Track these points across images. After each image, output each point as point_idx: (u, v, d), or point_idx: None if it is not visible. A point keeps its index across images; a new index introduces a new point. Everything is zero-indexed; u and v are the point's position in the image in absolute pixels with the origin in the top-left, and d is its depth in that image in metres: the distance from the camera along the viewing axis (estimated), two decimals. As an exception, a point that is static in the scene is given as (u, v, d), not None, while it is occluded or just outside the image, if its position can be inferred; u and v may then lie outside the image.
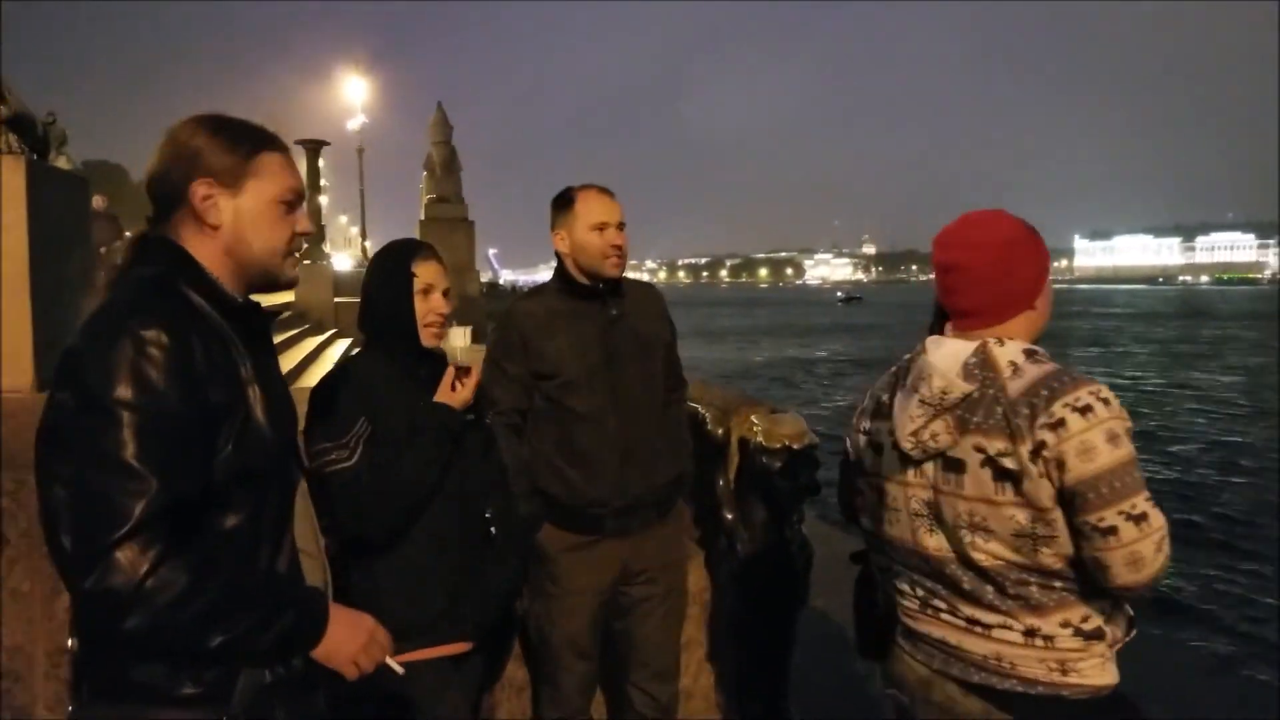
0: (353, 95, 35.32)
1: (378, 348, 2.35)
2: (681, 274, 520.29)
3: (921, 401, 1.76)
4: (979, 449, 1.71)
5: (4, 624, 2.80)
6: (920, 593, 1.89)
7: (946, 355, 1.79)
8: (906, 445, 1.80)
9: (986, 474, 1.71)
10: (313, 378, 9.29)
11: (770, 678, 3.40)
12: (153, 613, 1.33)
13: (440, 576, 2.25)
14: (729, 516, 3.35)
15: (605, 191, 2.87)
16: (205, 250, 1.58)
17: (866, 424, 1.99)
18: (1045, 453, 1.64)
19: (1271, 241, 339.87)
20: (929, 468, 1.81)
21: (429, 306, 2.33)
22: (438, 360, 2.37)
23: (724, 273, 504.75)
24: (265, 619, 1.45)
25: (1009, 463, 1.68)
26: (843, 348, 44.29)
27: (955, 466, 1.75)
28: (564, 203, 2.86)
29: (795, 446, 3.16)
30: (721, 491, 3.38)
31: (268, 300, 1.75)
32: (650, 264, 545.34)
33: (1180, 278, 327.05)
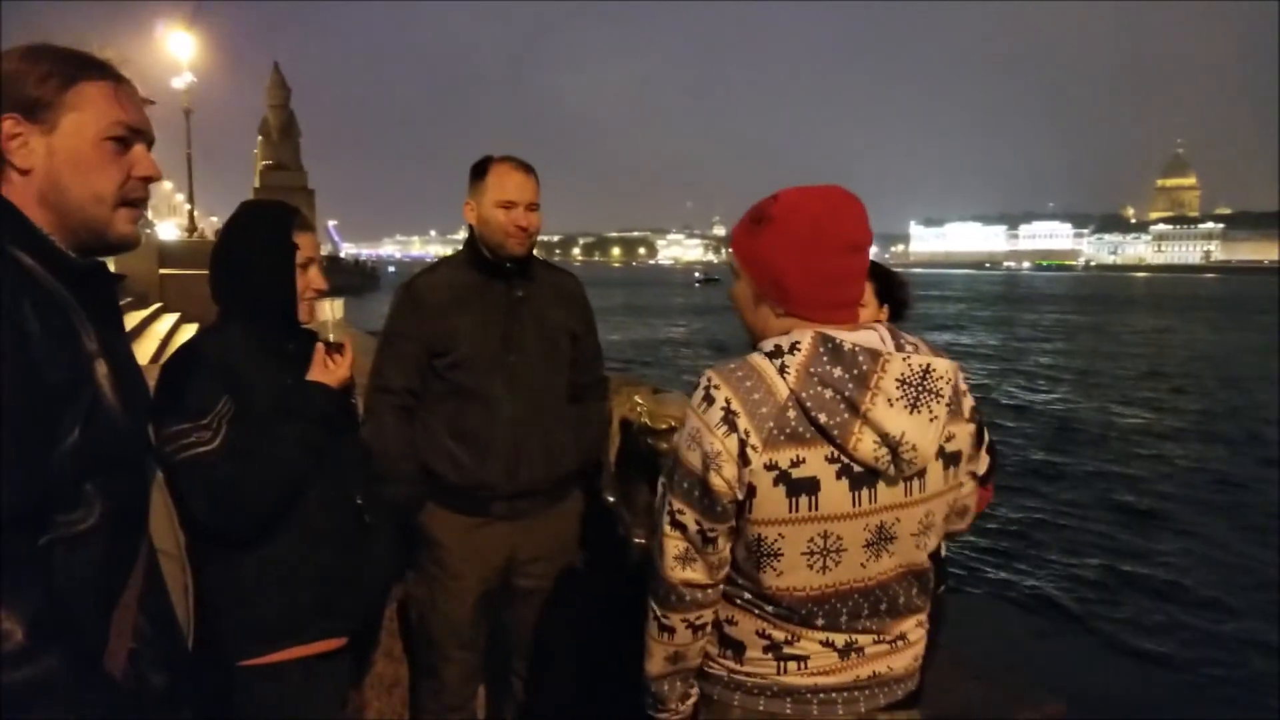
0: (178, 51, 32.86)
1: (237, 321, 2.10)
2: (535, 250, 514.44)
3: (947, 405, 1.54)
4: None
5: None
6: (842, 643, 1.64)
7: (905, 343, 1.59)
8: (925, 459, 1.53)
9: (939, 464, 1.59)
10: (140, 357, 8.67)
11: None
12: None
13: (312, 571, 2.04)
14: (611, 500, 3.25)
15: (521, 167, 2.71)
16: (18, 200, 1.31)
17: (777, 456, 1.50)
18: (977, 422, 1.66)
19: (1086, 231, 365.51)
20: (911, 483, 1.57)
21: (307, 281, 2.11)
22: (306, 336, 2.15)
23: (577, 250, 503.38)
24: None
25: (954, 445, 1.61)
26: (705, 326, 45.00)
27: (921, 470, 1.57)
28: (477, 172, 2.71)
29: (679, 427, 3.06)
30: (603, 474, 3.27)
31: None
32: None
33: (1005, 263, 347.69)
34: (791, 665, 1.63)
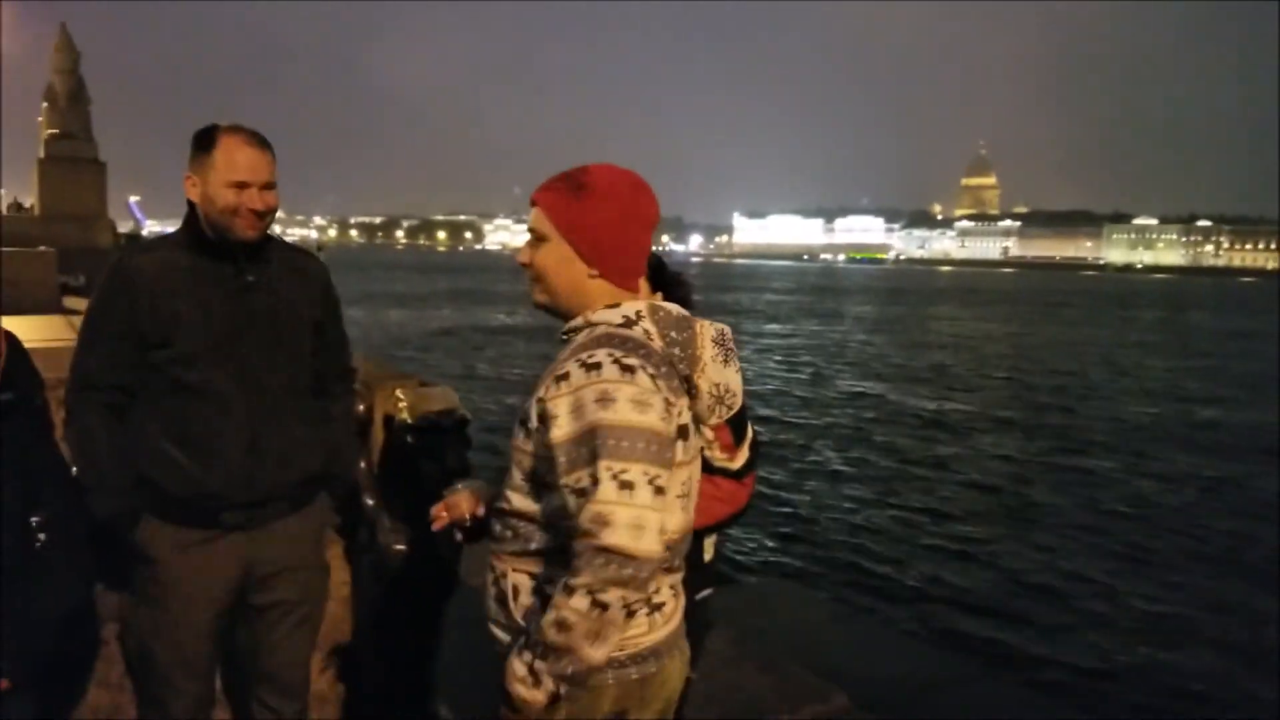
0: (-50, 7, 29.79)
1: None
2: (354, 233, 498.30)
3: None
4: None
5: None
6: (674, 585, 1.83)
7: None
8: (738, 404, 1.86)
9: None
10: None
11: (417, 676, 3.12)
12: None
13: None
14: (370, 503, 3.02)
15: (254, 141, 2.36)
16: None
17: (680, 405, 1.72)
18: (742, 414, 1.99)
19: (897, 226, 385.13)
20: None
21: None
22: None
23: (400, 233, 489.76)
24: None
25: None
26: (529, 316, 44.41)
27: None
28: (203, 144, 2.35)
29: (443, 424, 2.87)
30: (363, 475, 3.03)
31: None
32: (319, 220, 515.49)
33: (822, 255, 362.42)
34: (658, 618, 1.75)
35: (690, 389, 1.74)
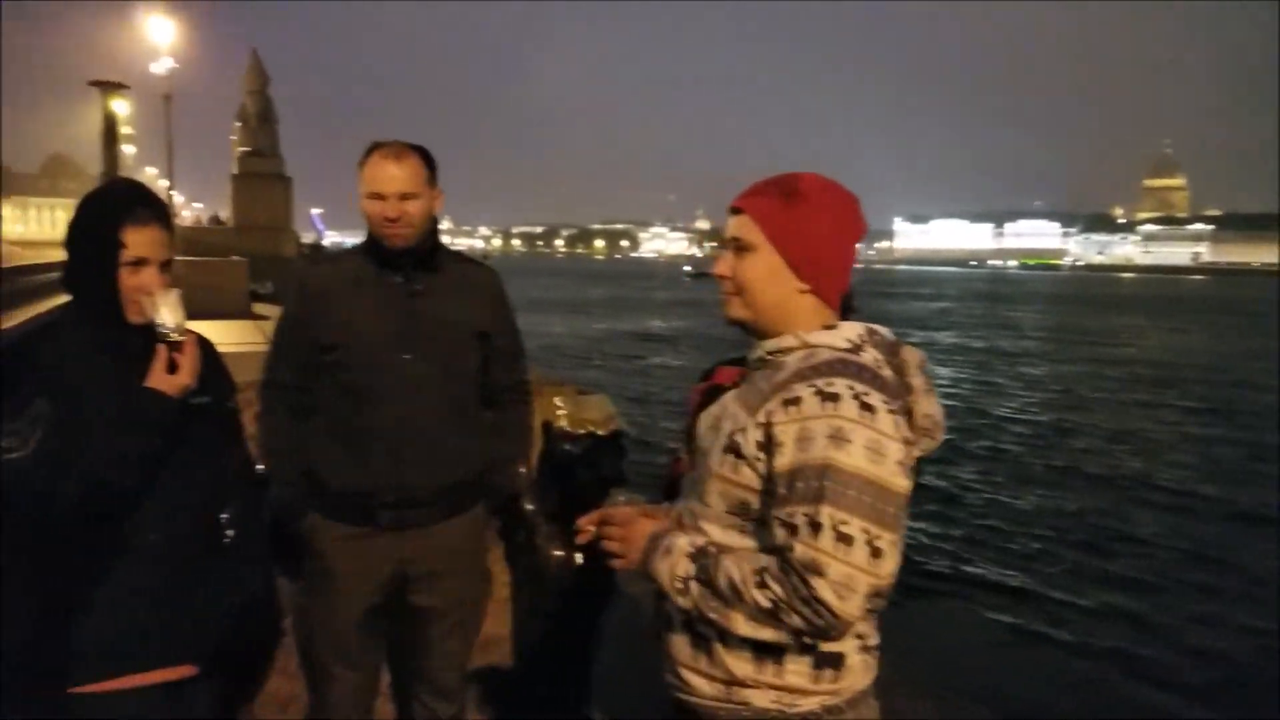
0: (158, 36, 32.42)
1: (70, 315, 1.90)
2: (516, 242, 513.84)
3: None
4: None
5: None
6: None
7: None
8: (934, 445, 1.68)
9: None
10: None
11: (572, 679, 3.17)
12: None
13: (147, 593, 1.86)
14: (529, 507, 3.07)
15: (391, 155, 2.47)
16: None
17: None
18: None
19: (1074, 230, 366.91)
20: None
21: (137, 283, 1.87)
22: (153, 335, 1.94)
23: (559, 242, 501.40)
24: None
25: None
26: (691, 324, 43.93)
27: None
28: (360, 161, 2.52)
29: (600, 433, 2.90)
30: (521, 479, 3.09)
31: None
32: (484, 230, 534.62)
33: (989, 261, 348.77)
34: (870, 659, 1.66)
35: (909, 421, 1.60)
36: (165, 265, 1.92)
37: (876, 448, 1.46)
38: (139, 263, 1.86)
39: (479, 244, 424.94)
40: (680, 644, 1.68)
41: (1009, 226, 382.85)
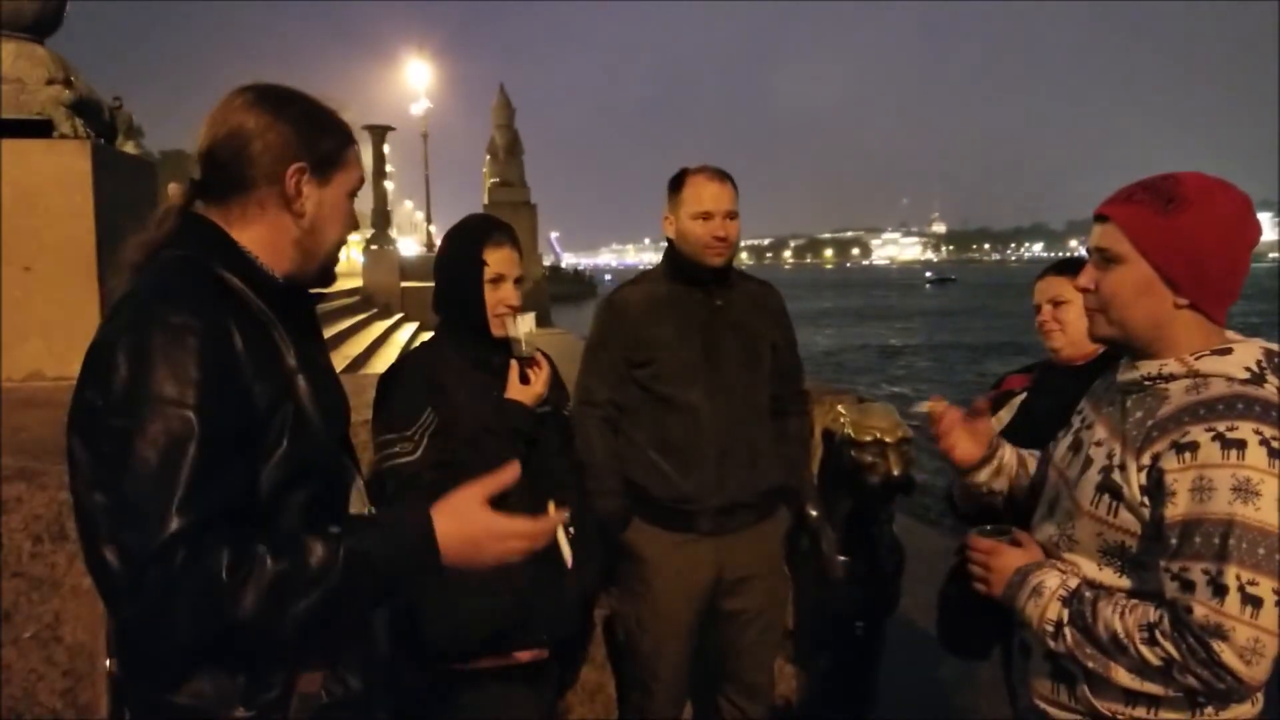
0: (416, 80, 35.33)
1: (445, 334, 2.21)
2: (744, 255, 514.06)
3: None
4: None
5: (66, 622, 2.73)
6: None
7: None
8: None
9: None
10: (380, 363, 9.32)
11: (856, 686, 3.20)
12: (198, 625, 1.19)
13: (512, 582, 2.09)
14: (814, 514, 3.15)
15: (717, 176, 2.70)
16: (279, 240, 1.45)
17: None
18: None
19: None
20: None
21: (499, 297, 2.17)
22: (509, 346, 2.22)
23: (788, 254, 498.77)
24: (338, 581, 1.24)
25: None
26: (938, 335, 41.95)
27: None
28: (675, 186, 2.74)
29: (887, 440, 2.94)
30: (805, 489, 3.18)
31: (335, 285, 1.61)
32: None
33: (1269, 255, 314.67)
34: (1260, 697, 1.51)
35: None
36: (518, 281, 2.20)
37: None
38: (498, 279, 2.15)
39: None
40: (1040, 676, 1.63)
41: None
